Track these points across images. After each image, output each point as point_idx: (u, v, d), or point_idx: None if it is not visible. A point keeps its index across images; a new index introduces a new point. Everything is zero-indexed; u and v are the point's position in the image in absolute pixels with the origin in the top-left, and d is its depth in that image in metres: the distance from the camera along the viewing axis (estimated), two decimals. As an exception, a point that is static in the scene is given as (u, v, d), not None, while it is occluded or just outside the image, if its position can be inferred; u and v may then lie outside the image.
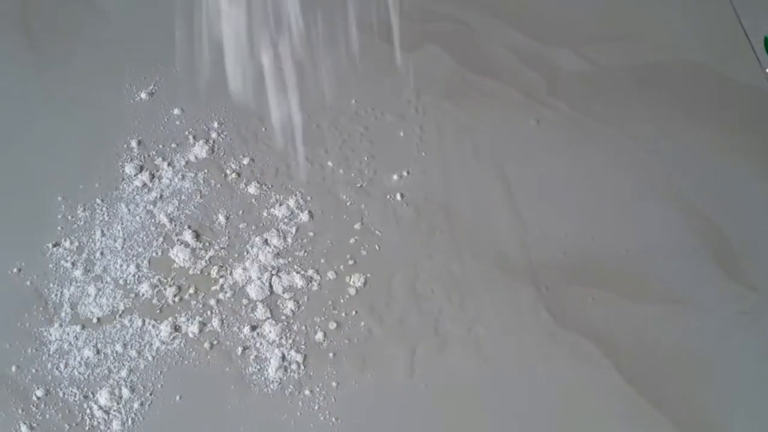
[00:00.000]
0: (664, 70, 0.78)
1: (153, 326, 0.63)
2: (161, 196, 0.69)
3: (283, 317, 0.64)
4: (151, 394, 0.61)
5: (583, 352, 0.63)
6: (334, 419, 0.60)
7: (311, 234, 0.68)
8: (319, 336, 0.63)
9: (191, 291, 0.65)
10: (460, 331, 0.64)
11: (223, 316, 0.64)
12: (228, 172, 0.71)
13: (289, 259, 0.67)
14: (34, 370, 0.61)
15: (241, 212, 0.69)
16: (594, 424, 0.60)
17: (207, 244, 0.67)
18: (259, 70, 0.77)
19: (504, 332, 0.64)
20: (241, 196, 0.70)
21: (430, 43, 0.78)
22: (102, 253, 0.66)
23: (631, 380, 0.62)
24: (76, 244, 0.67)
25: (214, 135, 0.73)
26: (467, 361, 0.62)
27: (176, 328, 0.63)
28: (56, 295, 0.64)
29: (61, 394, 0.60)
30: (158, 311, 0.64)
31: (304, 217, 0.68)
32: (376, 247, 0.68)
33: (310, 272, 0.66)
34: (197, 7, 0.78)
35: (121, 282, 0.65)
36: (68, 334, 0.63)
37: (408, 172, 0.71)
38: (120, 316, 0.64)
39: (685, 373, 0.63)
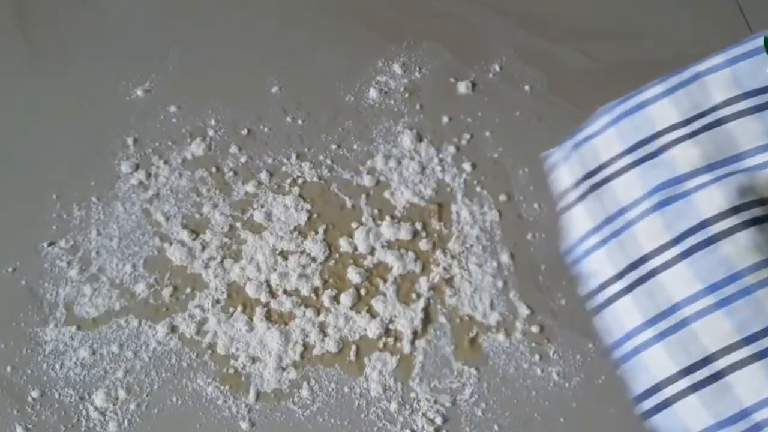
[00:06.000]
0: (667, 67, 0.77)
1: (149, 326, 0.63)
2: (157, 194, 0.69)
3: (281, 317, 0.64)
4: (147, 395, 0.60)
5: (584, 352, 0.63)
6: (333, 420, 0.60)
7: (309, 232, 0.67)
8: (319, 335, 0.63)
9: (188, 290, 0.64)
10: (461, 330, 0.63)
11: (220, 316, 0.63)
12: (225, 170, 0.70)
13: (287, 257, 0.66)
14: (29, 371, 0.61)
15: (238, 211, 0.68)
16: (594, 424, 0.60)
17: (204, 242, 0.66)
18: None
19: (504, 331, 0.63)
20: (238, 195, 0.69)
21: (431, 40, 0.77)
22: (98, 253, 0.66)
23: (632, 381, 0.62)
24: (72, 243, 0.66)
25: (211, 132, 0.72)
26: (468, 360, 0.62)
27: (173, 329, 0.63)
28: (51, 294, 0.64)
29: (56, 395, 0.60)
30: (154, 311, 0.63)
31: (301, 215, 0.68)
32: (376, 246, 0.67)
33: (308, 271, 0.65)
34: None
35: (117, 281, 0.64)
36: (63, 334, 0.62)
37: (407, 171, 0.70)
38: (116, 316, 0.63)
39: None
